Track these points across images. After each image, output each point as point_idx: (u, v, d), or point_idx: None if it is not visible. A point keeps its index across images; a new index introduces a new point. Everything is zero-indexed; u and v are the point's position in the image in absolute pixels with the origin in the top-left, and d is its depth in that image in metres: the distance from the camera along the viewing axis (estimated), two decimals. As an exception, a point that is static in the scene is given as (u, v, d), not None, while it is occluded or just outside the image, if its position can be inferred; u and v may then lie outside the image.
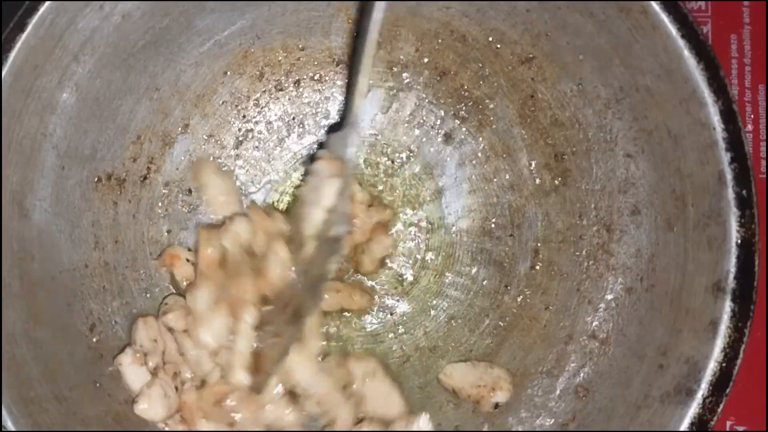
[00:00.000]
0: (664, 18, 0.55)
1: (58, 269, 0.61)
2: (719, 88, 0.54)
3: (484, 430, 0.64)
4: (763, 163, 0.74)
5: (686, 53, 0.55)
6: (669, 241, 0.59)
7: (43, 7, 0.56)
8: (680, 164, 0.58)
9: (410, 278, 0.69)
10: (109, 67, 0.62)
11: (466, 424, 0.65)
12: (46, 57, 0.58)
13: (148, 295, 0.66)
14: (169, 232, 0.68)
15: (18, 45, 0.56)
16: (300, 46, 0.69)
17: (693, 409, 0.53)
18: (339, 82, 0.70)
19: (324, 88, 0.70)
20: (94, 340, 0.63)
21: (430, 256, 0.70)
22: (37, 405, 0.56)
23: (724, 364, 0.53)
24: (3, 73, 0.55)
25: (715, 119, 0.55)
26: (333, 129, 0.69)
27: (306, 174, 0.66)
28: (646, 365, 0.58)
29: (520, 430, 0.63)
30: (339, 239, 0.62)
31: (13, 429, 0.54)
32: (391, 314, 0.69)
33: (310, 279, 0.61)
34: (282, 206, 0.70)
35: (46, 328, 0.60)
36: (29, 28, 0.56)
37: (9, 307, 0.57)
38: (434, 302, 0.69)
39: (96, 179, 0.64)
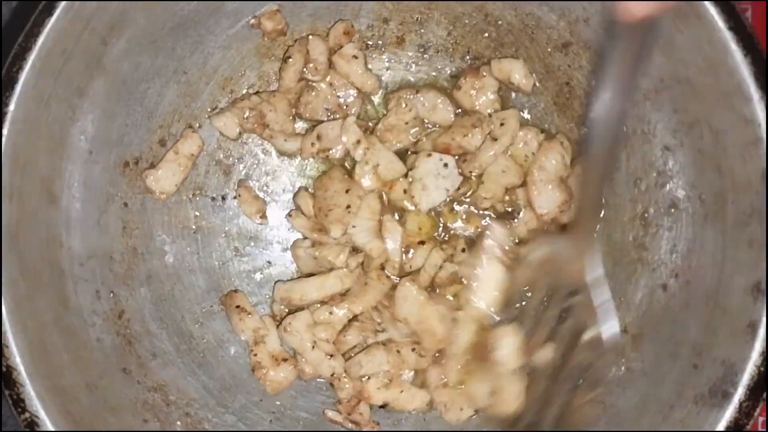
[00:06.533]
0: (711, 9, 0.53)
1: (87, 255, 0.61)
2: (767, 83, 0.53)
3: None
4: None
5: (733, 46, 0.53)
6: (707, 238, 0.58)
7: (72, -10, 0.55)
8: (721, 160, 0.56)
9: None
10: (137, 49, 0.61)
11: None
12: (74, 41, 0.56)
13: (176, 282, 0.66)
14: (197, 217, 0.67)
15: (47, 29, 0.55)
16: (329, 29, 0.67)
17: (729, 413, 0.52)
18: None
19: (353, 71, 0.69)
20: (123, 326, 0.62)
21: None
22: (69, 394, 0.56)
23: (762, 368, 0.52)
24: (31, 58, 0.54)
25: (761, 115, 0.53)
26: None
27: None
28: (680, 364, 0.57)
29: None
30: None
31: (47, 419, 0.54)
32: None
33: None
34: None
35: (76, 315, 0.59)
36: (57, 11, 0.55)
37: (39, 295, 0.57)
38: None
39: (124, 164, 0.64)
